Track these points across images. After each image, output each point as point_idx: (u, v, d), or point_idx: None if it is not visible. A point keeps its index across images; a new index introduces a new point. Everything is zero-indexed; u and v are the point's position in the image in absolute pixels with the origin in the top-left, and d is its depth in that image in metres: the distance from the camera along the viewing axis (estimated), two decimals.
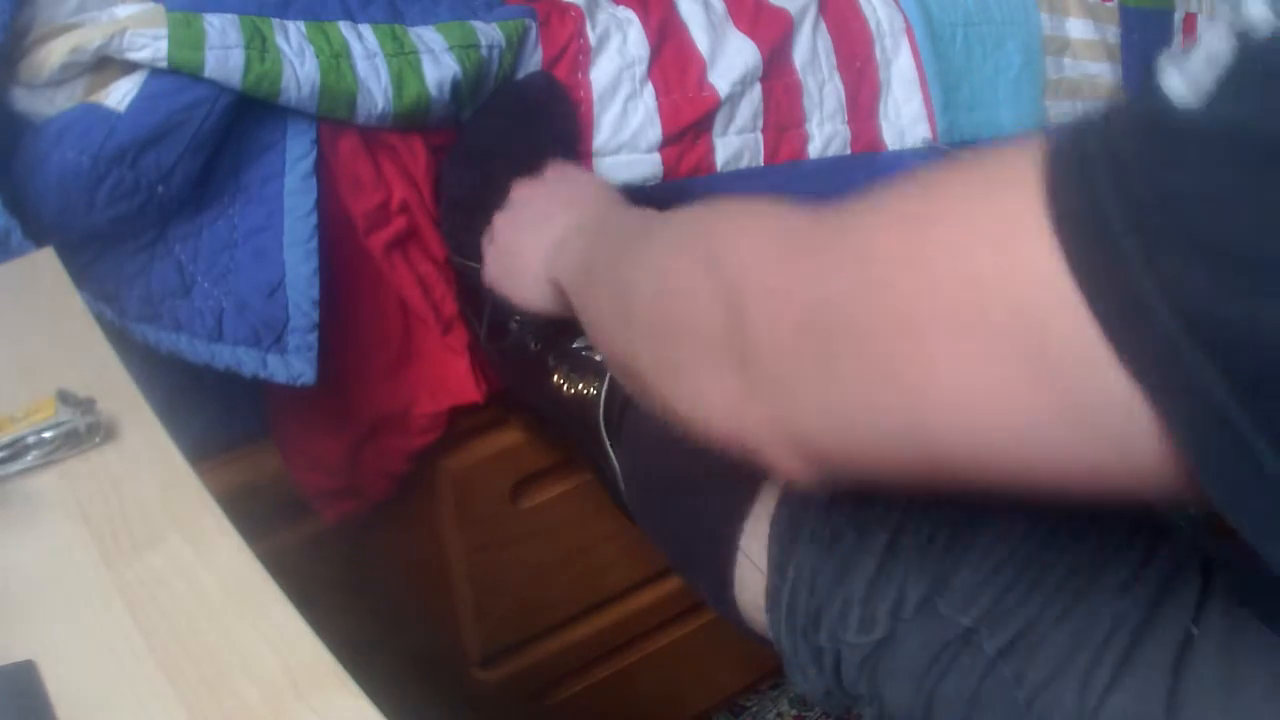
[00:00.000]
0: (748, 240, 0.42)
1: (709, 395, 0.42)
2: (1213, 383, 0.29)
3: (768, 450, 0.41)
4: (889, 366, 0.35)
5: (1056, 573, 0.50)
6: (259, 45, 0.68)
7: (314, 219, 0.71)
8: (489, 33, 0.77)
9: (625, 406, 0.71)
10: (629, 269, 0.51)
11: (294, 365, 0.71)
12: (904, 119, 0.95)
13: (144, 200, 0.68)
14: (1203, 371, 0.29)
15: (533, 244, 0.69)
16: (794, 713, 1.26)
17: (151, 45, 0.66)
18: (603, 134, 0.83)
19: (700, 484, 0.64)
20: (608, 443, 0.71)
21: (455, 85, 0.75)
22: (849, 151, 0.93)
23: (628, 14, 0.84)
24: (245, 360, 0.71)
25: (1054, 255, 0.30)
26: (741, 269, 0.41)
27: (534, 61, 0.81)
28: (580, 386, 0.73)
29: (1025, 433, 0.33)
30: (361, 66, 0.72)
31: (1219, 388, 0.29)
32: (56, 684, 0.36)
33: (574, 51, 0.82)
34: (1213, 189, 0.28)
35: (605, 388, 0.71)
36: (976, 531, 0.52)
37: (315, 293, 0.71)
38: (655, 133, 0.84)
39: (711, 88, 0.85)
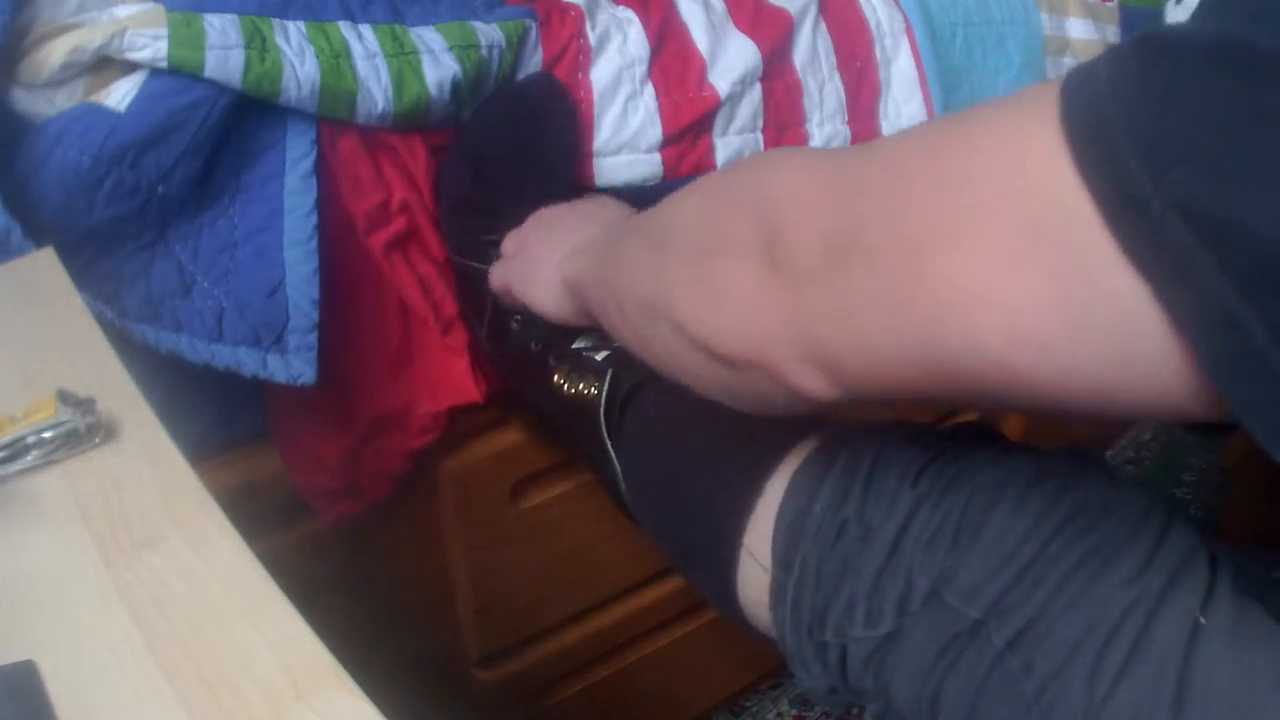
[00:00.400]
0: (786, 169, 0.45)
1: (739, 308, 0.44)
2: (1216, 280, 0.30)
3: (788, 363, 0.43)
4: (905, 275, 0.37)
5: (1064, 564, 0.50)
6: (259, 45, 0.68)
7: (314, 219, 0.71)
8: (489, 33, 0.77)
9: (626, 405, 0.71)
10: (665, 216, 0.54)
11: (294, 365, 0.71)
12: (904, 119, 0.95)
13: (144, 200, 0.68)
14: (1206, 269, 0.30)
15: (553, 251, 0.70)
16: (794, 713, 1.26)
17: (151, 45, 0.66)
18: (603, 134, 0.83)
19: (703, 482, 0.64)
20: (609, 442, 0.71)
21: (455, 85, 0.75)
22: None
23: (628, 14, 0.84)
24: (245, 360, 0.71)
25: (1065, 165, 0.33)
26: (779, 189, 0.44)
27: (534, 62, 0.81)
28: (581, 386, 0.73)
29: (1035, 341, 0.34)
30: (361, 66, 0.72)
31: (1223, 285, 0.30)
32: (56, 684, 0.36)
33: (574, 52, 0.82)
34: (1196, 94, 0.30)
35: (606, 387, 0.71)
36: (983, 524, 0.52)
37: (315, 293, 0.71)
38: (655, 133, 0.84)
39: (711, 88, 0.85)
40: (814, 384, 0.43)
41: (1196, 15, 0.32)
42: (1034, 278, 0.34)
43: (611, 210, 0.75)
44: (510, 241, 0.77)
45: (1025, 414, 0.41)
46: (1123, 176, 0.31)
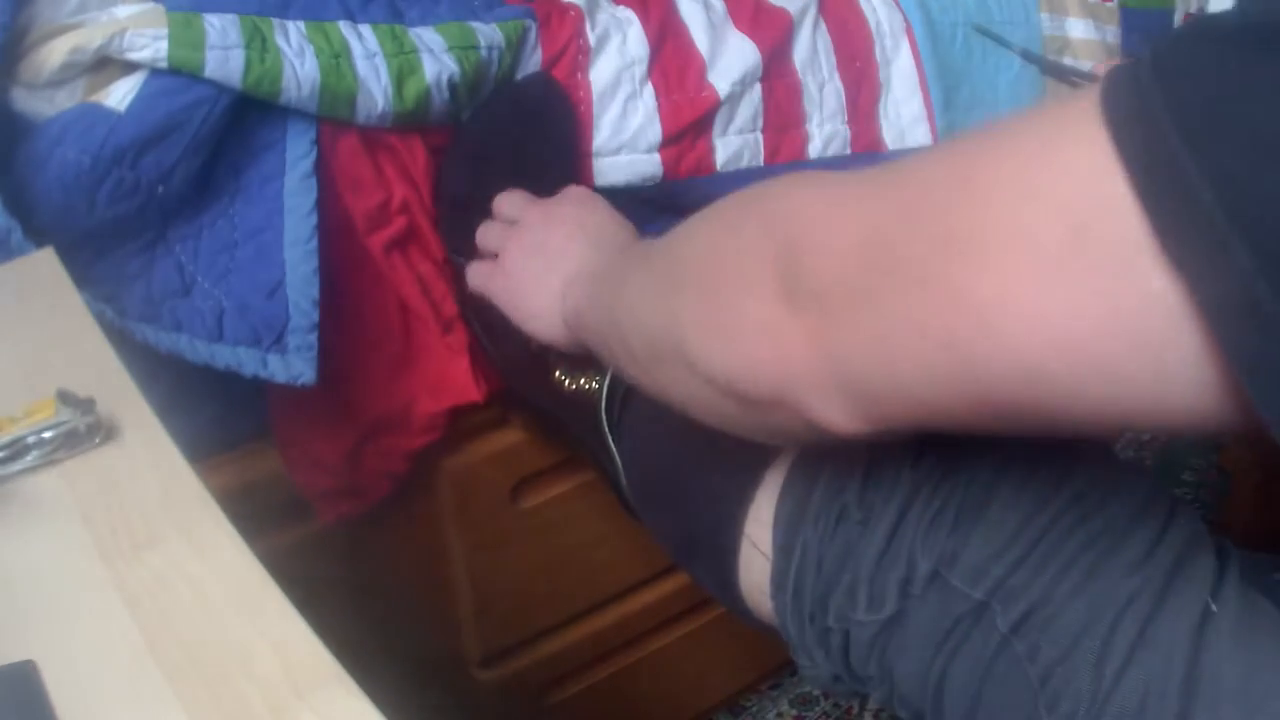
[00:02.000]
0: (799, 189, 0.43)
1: (755, 342, 0.42)
2: (1248, 266, 0.29)
3: (812, 399, 0.41)
4: (940, 294, 0.35)
5: (1068, 548, 0.50)
6: (259, 45, 0.68)
7: (314, 219, 0.71)
8: (488, 34, 0.77)
9: (626, 400, 0.71)
10: (673, 248, 0.51)
11: (294, 365, 0.71)
12: (904, 119, 0.95)
13: (144, 200, 0.68)
14: (1239, 255, 0.29)
15: (546, 278, 0.68)
16: (794, 713, 1.26)
17: (152, 45, 0.66)
18: (602, 134, 0.83)
19: (703, 472, 0.64)
20: (609, 437, 0.71)
21: (454, 85, 0.75)
22: (849, 152, 0.93)
23: (628, 14, 0.84)
24: (245, 360, 0.71)
25: (1105, 154, 0.32)
26: (795, 213, 0.42)
27: (533, 61, 0.81)
28: (582, 382, 0.73)
29: (1084, 354, 0.33)
30: (361, 66, 0.72)
31: (1253, 271, 0.29)
32: (56, 684, 0.36)
33: (573, 52, 0.82)
34: (1241, 74, 0.30)
35: (607, 381, 0.72)
36: (984, 505, 0.52)
37: (315, 292, 0.71)
38: (655, 133, 0.84)
39: (711, 87, 0.85)
40: (842, 420, 0.40)
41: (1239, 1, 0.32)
42: (1079, 285, 0.32)
43: (604, 222, 0.72)
44: (487, 237, 0.75)
45: (1074, 437, 0.40)
46: (1164, 157, 0.30)
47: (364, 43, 0.73)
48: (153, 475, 0.44)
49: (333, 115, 0.72)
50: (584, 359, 0.74)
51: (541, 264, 0.70)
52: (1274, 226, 0.29)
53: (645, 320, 0.52)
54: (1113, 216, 0.32)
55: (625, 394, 0.71)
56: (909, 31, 0.94)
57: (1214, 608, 0.48)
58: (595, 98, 0.82)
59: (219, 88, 0.67)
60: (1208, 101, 0.30)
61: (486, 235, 0.75)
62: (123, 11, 0.68)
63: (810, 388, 0.41)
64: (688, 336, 0.46)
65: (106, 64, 0.68)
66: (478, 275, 0.74)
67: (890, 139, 0.94)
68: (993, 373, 0.35)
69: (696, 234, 0.50)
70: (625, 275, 0.57)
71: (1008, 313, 0.34)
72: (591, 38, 0.82)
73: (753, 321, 0.42)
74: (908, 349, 0.37)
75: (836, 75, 0.92)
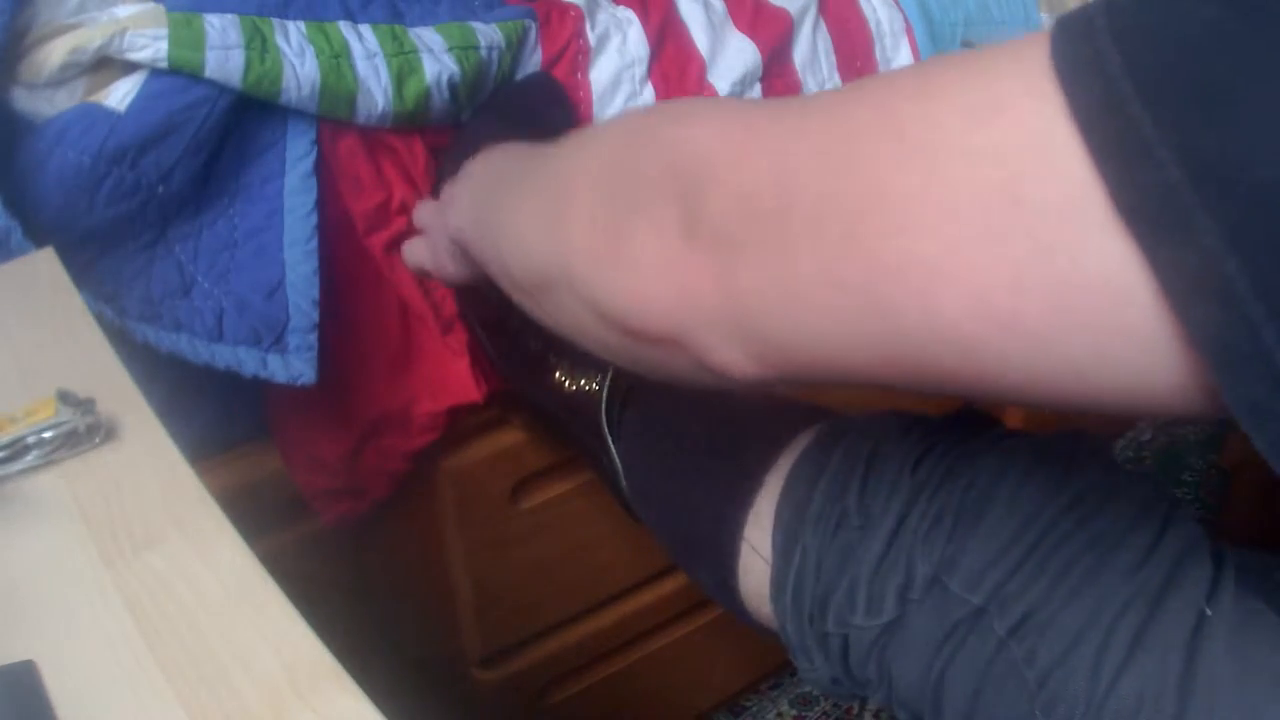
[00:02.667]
0: (710, 114, 0.39)
1: (651, 277, 0.39)
2: (1215, 240, 0.26)
3: (711, 342, 0.38)
4: (851, 238, 0.32)
5: (1065, 553, 0.50)
6: (259, 45, 0.68)
7: (314, 219, 0.71)
8: (488, 34, 0.77)
9: (627, 401, 0.71)
10: (563, 163, 0.46)
11: (294, 365, 0.71)
12: None
13: (144, 200, 0.68)
14: (1205, 228, 0.26)
15: (441, 218, 0.63)
16: (794, 713, 1.26)
17: (152, 45, 0.66)
18: None
19: (703, 475, 0.64)
20: (609, 437, 0.71)
21: (454, 85, 0.75)
22: None
23: (628, 14, 0.84)
24: (245, 360, 0.71)
25: (1056, 113, 0.29)
26: (700, 144, 0.38)
27: (533, 61, 0.81)
28: (582, 382, 0.73)
29: (1008, 321, 0.30)
30: (361, 66, 0.72)
31: (1222, 247, 0.26)
32: (56, 684, 0.36)
33: (573, 52, 0.82)
34: (1203, 30, 0.27)
35: (607, 382, 0.72)
36: (983, 510, 0.52)
37: (315, 293, 0.71)
38: None
39: (711, 88, 0.85)
40: (739, 363, 0.38)
41: None
42: (1011, 248, 0.29)
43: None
44: (420, 214, 0.69)
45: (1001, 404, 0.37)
46: (1124, 121, 0.27)
47: (364, 43, 0.73)
48: (153, 475, 0.44)
49: (333, 115, 0.72)
50: (585, 359, 0.74)
51: (438, 208, 0.65)
52: (1243, 197, 0.26)
53: (530, 246, 0.47)
54: (1061, 179, 0.29)
55: (626, 395, 0.71)
56: (909, 31, 0.94)
57: (1209, 612, 0.48)
58: (595, 98, 0.82)
59: (219, 88, 0.67)
60: (1170, 62, 0.27)
61: (420, 213, 0.71)
62: (123, 11, 0.68)
63: (708, 328, 0.38)
64: (578, 266, 0.42)
65: (106, 64, 0.67)
66: (408, 250, 0.70)
67: None
68: (915, 340, 0.32)
69: (591, 148, 0.45)
70: (508, 187, 0.51)
71: (928, 279, 0.31)
72: (591, 38, 0.82)
73: (649, 255, 0.39)
74: (820, 302, 0.34)
75: (836, 75, 0.92)
